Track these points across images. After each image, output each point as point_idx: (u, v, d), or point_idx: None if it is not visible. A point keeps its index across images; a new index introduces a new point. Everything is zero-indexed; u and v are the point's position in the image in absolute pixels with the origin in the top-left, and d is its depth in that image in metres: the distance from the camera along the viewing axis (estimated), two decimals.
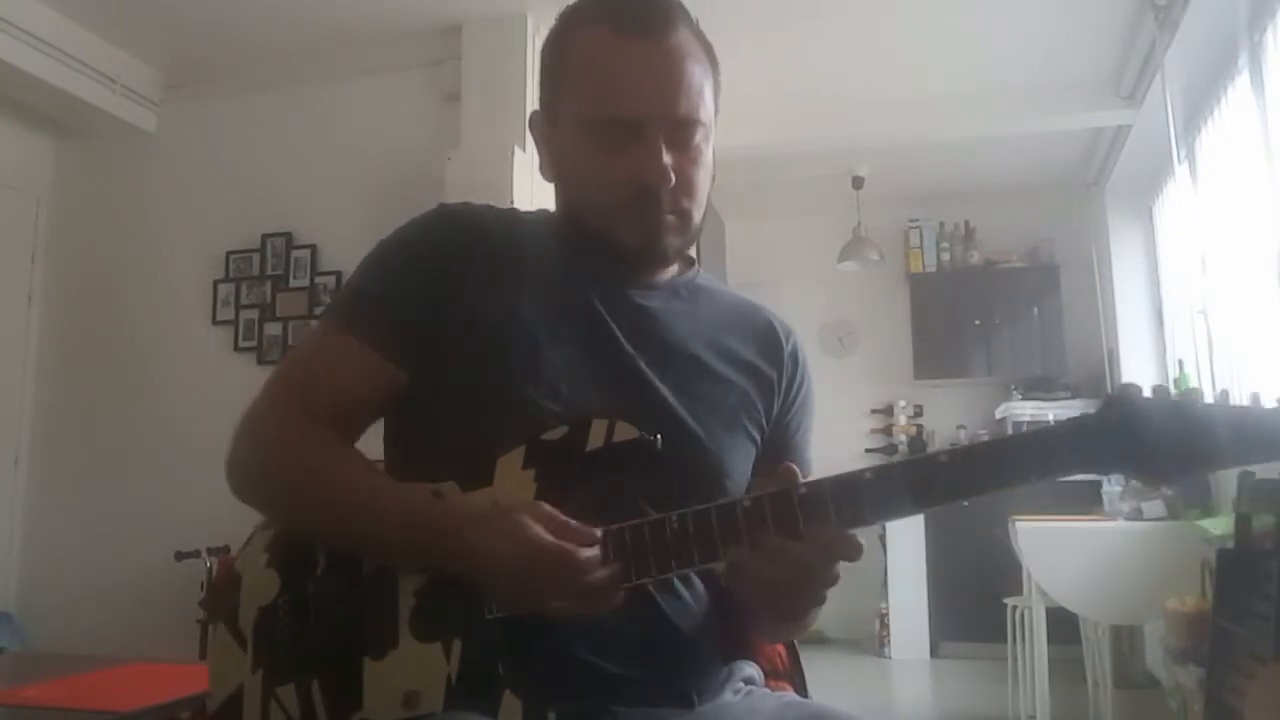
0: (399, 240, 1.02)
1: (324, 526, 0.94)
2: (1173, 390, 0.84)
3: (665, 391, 0.97)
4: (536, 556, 0.83)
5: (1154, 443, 0.82)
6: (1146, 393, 0.84)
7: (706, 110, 0.98)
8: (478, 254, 0.99)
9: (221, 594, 0.99)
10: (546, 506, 0.86)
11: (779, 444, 1.07)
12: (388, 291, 0.98)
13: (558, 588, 0.84)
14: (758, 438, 1.04)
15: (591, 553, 0.84)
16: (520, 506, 0.86)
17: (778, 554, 0.83)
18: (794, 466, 0.87)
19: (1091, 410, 0.85)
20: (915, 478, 0.84)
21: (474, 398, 0.95)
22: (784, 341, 1.09)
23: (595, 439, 0.90)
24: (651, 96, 0.94)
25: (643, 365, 0.98)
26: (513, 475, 0.91)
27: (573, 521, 0.86)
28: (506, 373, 0.94)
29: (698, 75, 0.97)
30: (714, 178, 1.02)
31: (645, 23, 0.95)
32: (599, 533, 0.86)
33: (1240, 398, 0.83)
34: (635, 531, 0.86)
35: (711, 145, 1.01)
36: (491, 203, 1.07)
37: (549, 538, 0.84)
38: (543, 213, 1.10)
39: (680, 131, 0.96)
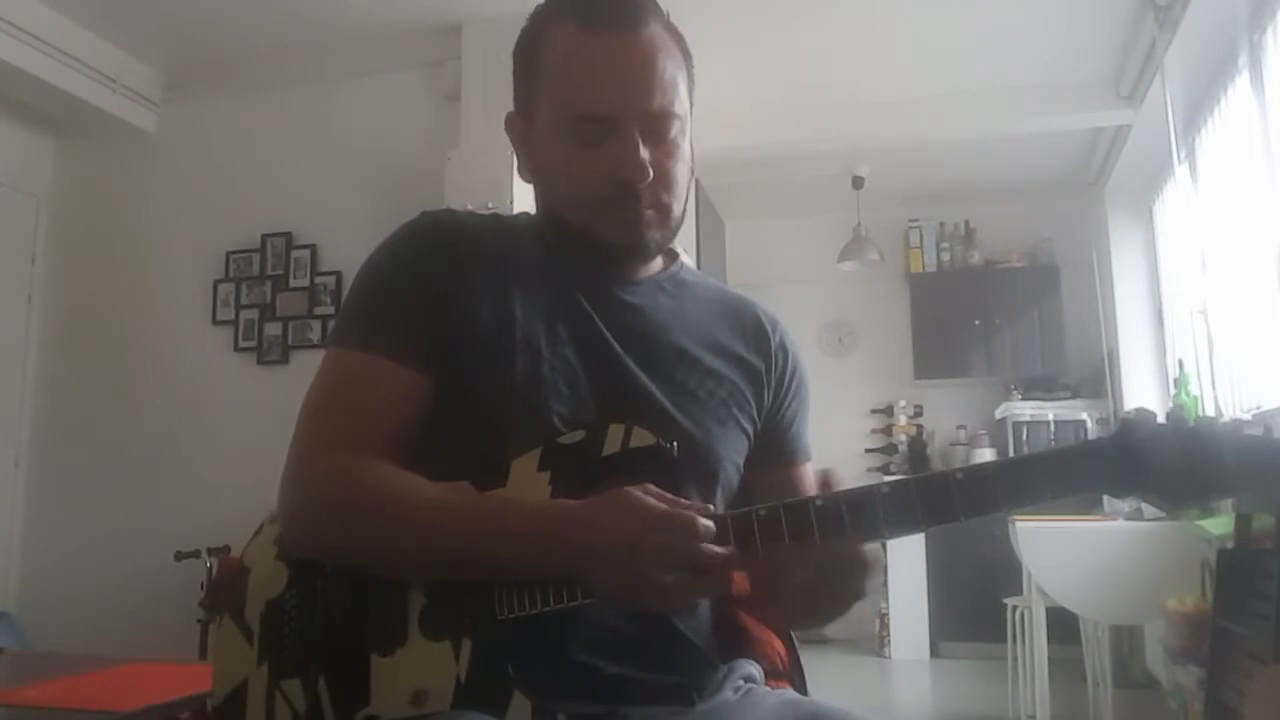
0: (391, 249, 1.00)
1: (414, 554, 0.88)
2: (1187, 413, 0.85)
3: (655, 389, 0.97)
4: (657, 522, 0.82)
5: (1169, 470, 0.83)
6: (1161, 418, 0.85)
7: (681, 103, 0.97)
8: (467, 258, 0.99)
9: (226, 587, 0.98)
10: (653, 487, 0.85)
11: (776, 434, 1.07)
12: (394, 302, 0.97)
13: (676, 555, 0.81)
14: (749, 430, 1.04)
15: (708, 522, 0.83)
16: (628, 488, 0.84)
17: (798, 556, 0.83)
18: (830, 471, 0.88)
19: (1105, 431, 0.87)
20: (931, 494, 0.84)
21: (482, 401, 0.94)
22: (771, 333, 1.09)
23: (612, 444, 0.91)
24: (625, 92, 0.94)
25: (631, 363, 0.98)
26: (528, 477, 0.91)
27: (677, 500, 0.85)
28: (511, 374, 0.94)
29: (671, 68, 0.96)
30: (693, 170, 1.02)
31: (616, 17, 0.95)
32: (713, 508, 0.86)
33: (1241, 400, 0.83)
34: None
35: (689, 138, 1.00)
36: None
37: (664, 506, 0.83)
38: (523, 215, 1.10)
39: (656, 125, 0.95)
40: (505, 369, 0.94)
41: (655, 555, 0.81)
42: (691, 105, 1.01)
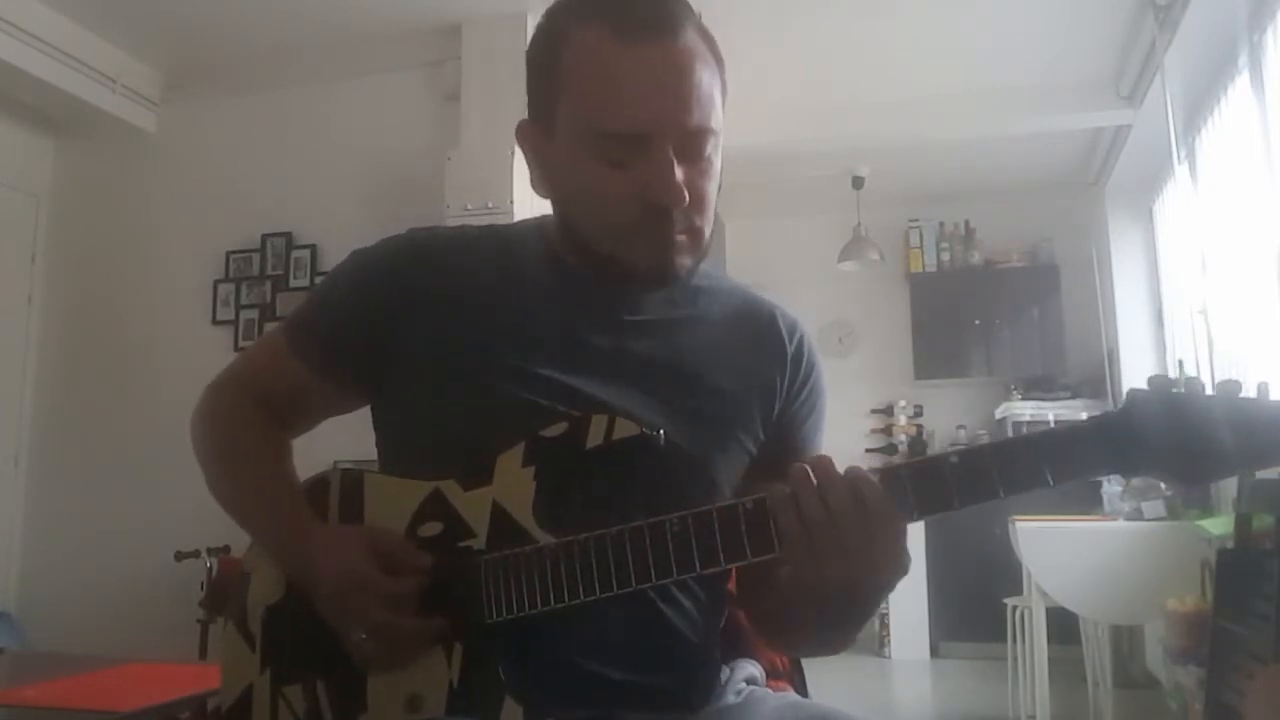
0: (355, 260, 1.01)
1: (220, 495, 1.02)
2: (1202, 384, 0.77)
3: (650, 409, 0.92)
4: (344, 577, 0.88)
5: (1182, 446, 0.75)
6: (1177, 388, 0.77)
7: (717, 117, 0.89)
8: (439, 277, 0.96)
9: (228, 593, 1.00)
10: (391, 534, 0.90)
11: (785, 437, 1.00)
12: (325, 311, 1.02)
13: (356, 611, 0.87)
14: (753, 449, 0.99)
15: (397, 586, 0.87)
16: (361, 530, 0.92)
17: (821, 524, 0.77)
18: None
19: (1111, 408, 0.80)
20: (924, 481, 0.78)
21: (464, 410, 0.93)
22: (788, 341, 1.02)
23: (595, 436, 0.87)
24: (660, 108, 0.85)
25: (626, 382, 0.94)
26: (512, 473, 0.89)
27: (408, 552, 0.89)
28: (490, 392, 0.92)
29: (707, 80, 0.88)
30: (720, 185, 0.93)
31: (651, 23, 0.86)
32: (427, 566, 0.88)
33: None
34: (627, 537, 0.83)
35: (720, 152, 0.92)
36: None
37: (364, 563, 0.88)
38: (525, 224, 1.05)
39: (692, 143, 0.87)
40: (482, 384, 0.92)
41: (343, 603, 0.88)
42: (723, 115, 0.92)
